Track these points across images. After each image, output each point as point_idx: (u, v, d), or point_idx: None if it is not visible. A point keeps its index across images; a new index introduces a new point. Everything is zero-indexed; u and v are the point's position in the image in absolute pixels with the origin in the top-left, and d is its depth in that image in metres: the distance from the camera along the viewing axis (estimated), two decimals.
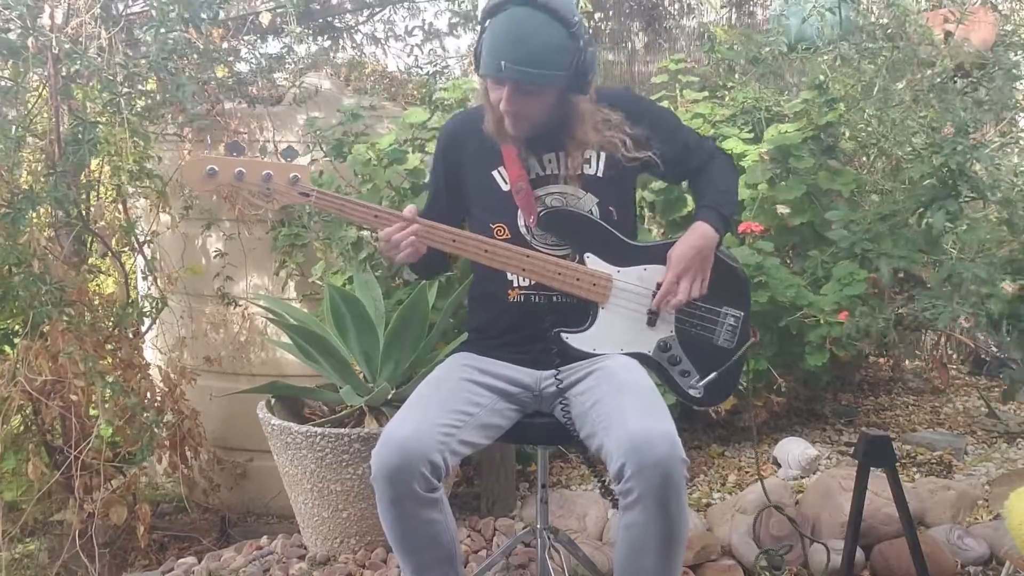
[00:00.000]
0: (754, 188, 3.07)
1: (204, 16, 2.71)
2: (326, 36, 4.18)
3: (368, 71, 3.70)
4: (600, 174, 1.83)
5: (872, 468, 2.08)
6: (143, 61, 2.81)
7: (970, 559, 2.37)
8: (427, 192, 2.06)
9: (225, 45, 3.20)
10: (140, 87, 2.89)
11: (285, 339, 2.73)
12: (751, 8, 5.43)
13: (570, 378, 1.80)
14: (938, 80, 2.94)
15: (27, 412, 2.69)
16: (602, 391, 1.70)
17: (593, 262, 1.80)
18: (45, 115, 2.84)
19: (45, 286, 2.46)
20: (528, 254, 1.77)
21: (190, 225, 3.07)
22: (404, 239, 1.72)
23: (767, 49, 3.48)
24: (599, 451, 1.64)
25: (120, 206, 3.10)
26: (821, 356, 2.78)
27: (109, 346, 2.80)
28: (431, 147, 2.92)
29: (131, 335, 2.88)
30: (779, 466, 2.96)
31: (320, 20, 4.05)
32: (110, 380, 2.50)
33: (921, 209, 2.56)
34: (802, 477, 2.87)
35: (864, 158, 3.37)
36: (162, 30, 2.69)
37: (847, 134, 3.28)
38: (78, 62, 2.62)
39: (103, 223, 3.04)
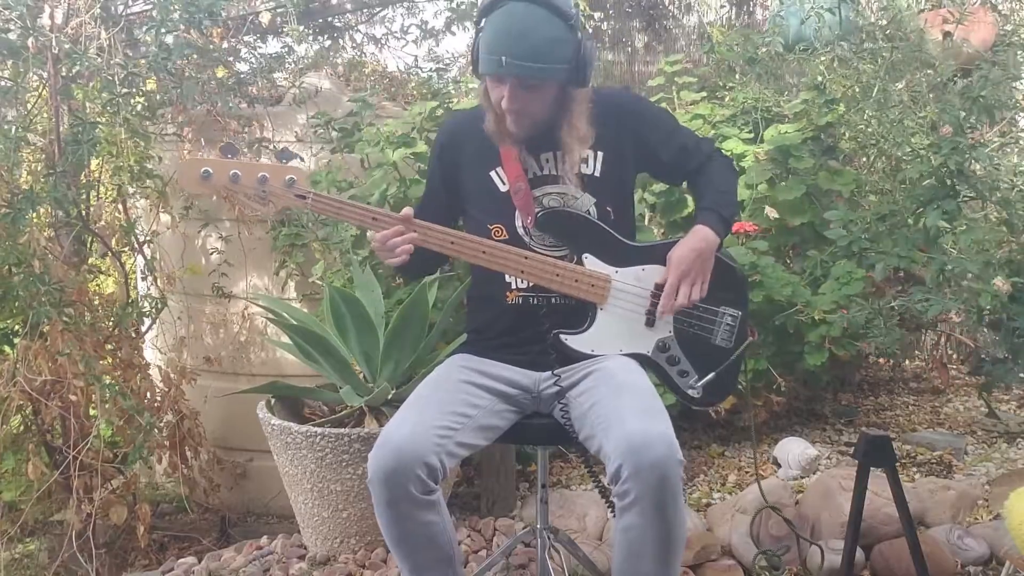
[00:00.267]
0: (754, 188, 3.07)
1: (205, 19, 2.70)
2: (326, 36, 4.18)
3: (368, 71, 3.70)
4: (598, 173, 1.82)
5: (872, 468, 2.08)
6: (143, 61, 2.81)
7: (970, 559, 2.37)
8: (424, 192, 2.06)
9: (225, 45, 3.21)
10: (140, 87, 2.89)
11: (285, 339, 2.73)
12: (751, 8, 5.43)
13: (569, 379, 1.80)
14: (937, 80, 2.94)
15: (27, 412, 2.69)
16: (601, 392, 1.70)
17: (591, 263, 1.80)
18: (45, 115, 2.84)
19: (45, 286, 2.46)
20: (526, 255, 1.77)
21: (190, 225, 3.07)
22: (400, 244, 1.72)
23: (764, 50, 3.48)
24: (598, 453, 1.64)
25: (120, 206, 3.10)
26: (820, 356, 2.78)
27: (109, 346, 2.80)
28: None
29: (131, 335, 2.88)
30: (779, 466, 2.96)
31: (320, 20, 4.04)
32: (109, 381, 2.50)
33: (920, 209, 2.56)
34: (802, 477, 2.87)
35: (864, 158, 3.37)
36: (162, 30, 2.70)
37: (847, 134, 3.28)
38: (78, 62, 2.62)
39: (103, 223, 3.05)
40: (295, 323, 2.62)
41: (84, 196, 2.90)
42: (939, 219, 2.45)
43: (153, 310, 2.95)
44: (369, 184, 2.91)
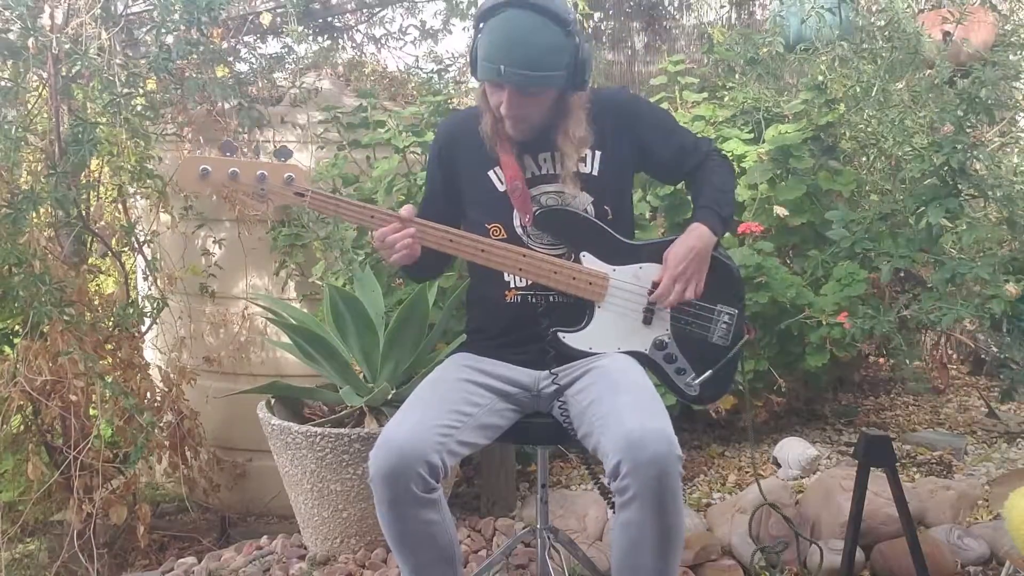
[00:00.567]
0: (754, 188, 3.07)
1: (203, 17, 2.71)
2: (326, 36, 4.18)
3: (368, 71, 3.70)
4: (595, 173, 1.83)
5: (872, 468, 2.08)
6: (143, 61, 2.82)
7: (970, 559, 2.37)
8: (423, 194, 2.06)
9: (224, 45, 3.21)
10: (140, 87, 2.89)
11: (285, 339, 2.74)
12: (751, 8, 5.43)
13: (567, 377, 1.80)
14: (937, 80, 2.94)
15: (27, 412, 2.69)
16: (599, 390, 1.70)
17: (589, 261, 1.80)
18: (45, 115, 2.84)
19: (45, 286, 2.45)
20: (524, 253, 1.77)
21: (190, 225, 3.07)
22: (399, 240, 1.72)
23: (764, 50, 3.48)
24: (596, 450, 1.64)
25: (120, 206, 3.10)
26: (821, 356, 2.78)
27: (109, 346, 2.80)
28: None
29: (132, 335, 2.88)
30: (779, 466, 2.96)
31: (320, 20, 4.05)
32: (109, 381, 2.50)
33: (921, 208, 2.56)
34: (802, 477, 2.87)
35: (864, 158, 3.37)
36: (163, 30, 2.70)
37: (847, 134, 3.28)
38: (78, 62, 2.63)
39: (103, 223, 3.05)
40: (295, 323, 2.62)
41: (84, 196, 2.90)
42: (941, 216, 2.45)
43: (153, 310, 2.95)
44: (376, 174, 2.91)
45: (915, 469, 2.99)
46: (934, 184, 2.60)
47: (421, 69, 4.26)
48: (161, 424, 2.78)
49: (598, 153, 1.82)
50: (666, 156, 1.88)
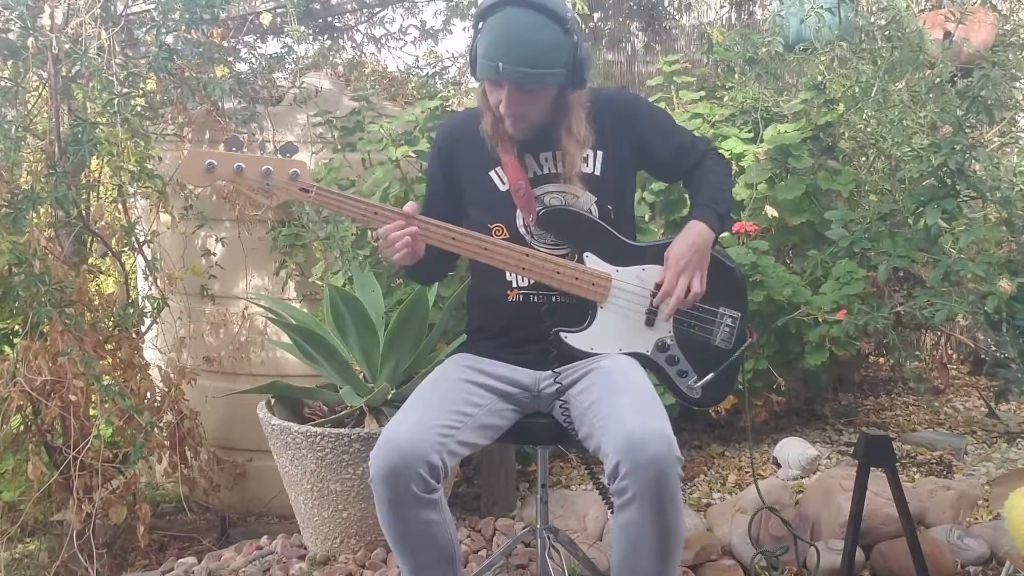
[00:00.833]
0: (754, 188, 3.07)
1: (206, 14, 2.70)
2: (326, 36, 4.18)
3: (368, 71, 3.70)
4: (598, 173, 1.83)
5: (872, 468, 2.08)
6: (143, 61, 2.81)
7: (970, 559, 2.37)
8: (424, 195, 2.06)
9: (224, 44, 3.21)
10: (140, 87, 2.89)
11: (285, 339, 2.74)
12: (751, 8, 5.44)
13: (569, 378, 1.80)
14: (937, 80, 2.94)
15: (27, 412, 2.69)
16: (599, 391, 1.70)
17: (592, 261, 1.80)
18: (45, 115, 2.84)
19: (45, 286, 2.45)
20: (527, 252, 1.77)
21: (190, 225, 3.07)
22: (401, 237, 1.72)
23: (764, 50, 3.48)
24: (596, 451, 1.65)
25: (120, 206, 3.10)
26: (821, 356, 2.78)
27: (109, 346, 2.80)
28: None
29: (131, 335, 2.88)
30: (779, 466, 2.96)
31: (320, 20, 4.05)
32: (108, 381, 2.50)
33: (920, 209, 2.56)
34: (802, 477, 2.87)
35: (863, 158, 3.38)
36: (163, 30, 2.70)
37: (846, 134, 3.28)
38: (78, 62, 2.62)
39: (103, 223, 3.04)
40: (295, 323, 2.62)
41: (84, 196, 2.90)
42: (938, 217, 2.45)
43: (153, 310, 2.95)
44: (370, 183, 2.91)
45: (915, 469, 2.99)
46: (932, 185, 2.60)
47: (421, 69, 4.26)
48: (161, 424, 2.78)
49: (600, 153, 1.83)
50: (666, 155, 1.88)
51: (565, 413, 1.78)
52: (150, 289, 3.02)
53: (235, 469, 3.09)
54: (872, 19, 3.57)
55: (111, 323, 2.85)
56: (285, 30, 3.52)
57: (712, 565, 2.39)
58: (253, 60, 3.40)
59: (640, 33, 5.59)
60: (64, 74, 2.75)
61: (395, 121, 2.99)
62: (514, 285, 1.82)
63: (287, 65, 3.50)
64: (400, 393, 2.53)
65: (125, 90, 2.76)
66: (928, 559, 2.09)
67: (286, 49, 3.61)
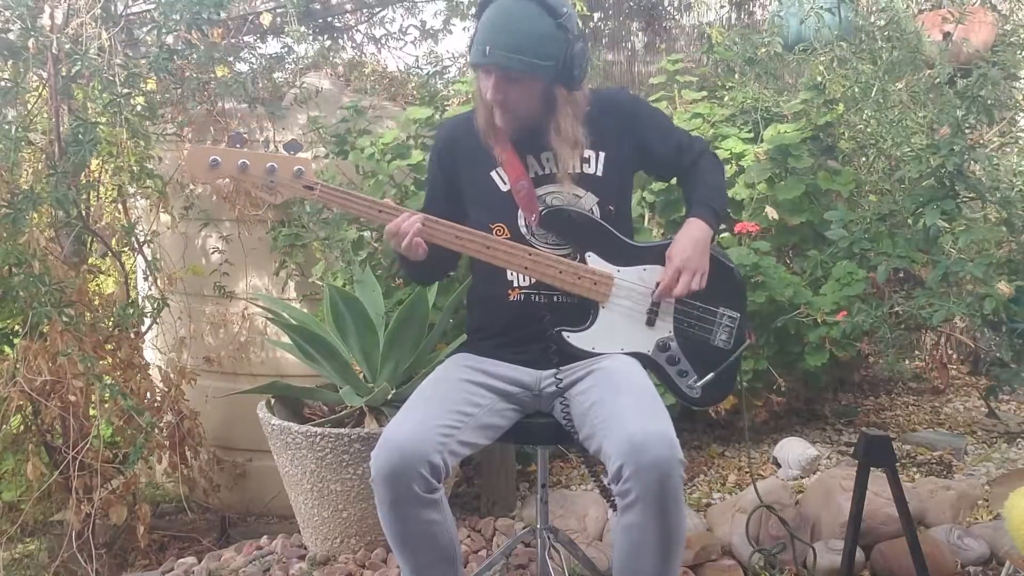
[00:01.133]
0: (754, 188, 3.08)
1: (208, 11, 2.71)
2: (326, 36, 4.18)
3: (368, 71, 3.70)
4: (600, 173, 1.83)
5: (872, 468, 2.08)
6: (143, 61, 2.81)
7: (970, 559, 2.37)
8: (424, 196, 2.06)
9: (224, 43, 3.21)
10: (140, 87, 2.89)
11: (285, 339, 2.73)
12: (751, 8, 5.44)
13: (569, 378, 1.80)
14: (936, 80, 2.94)
15: (27, 412, 2.69)
16: (601, 392, 1.70)
17: (594, 261, 1.80)
18: (45, 115, 2.84)
19: (45, 286, 2.46)
20: (530, 252, 1.78)
21: (190, 225, 3.07)
22: (411, 227, 1.72)
23: (764, 50, 3.48)
24: (598, 452, 1.65)
25: (120, 206, 3.10)
26: (821, 356, 2.78)
27: (109, 346, 2.80)
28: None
29: (131, 335, 2.88)
30: (779, 466, 2.96)
31: (320, 20, 4.05)
32: (108, 381, 2.49)
33: (919, 209, 2.56)
34: (802, 477, 2.87)
35: (863, 158, 3.38)
36: (163, 31, 2.70)
37: (846, 134, 3.28)
38: (78, 62, 2.62)
39: (103, 223, 3.05)
40: (295, 323, 2.62)
41: (84, 196, 2.91)
42: (938, 218, 2.45)
43: (153, 310, 2.95)
44: (365, 193, 2.91)
45: (915, 469, 2.99)
46: (932, 185, 2.60)
47: (421, 69, 4.26)
48: (161, 424, 2.78)
49: (602, 154, 1.83)
50: (666, 155, 1.90)
51: (566, 413, 1.78)
52: (150, 289, 3.01)
53: (235, 469, 3.09)
54: (872, 19, 3.57)
55: (111, 323, 2.85)
56: (285, 30, 3.52)
57: (712, 565, 2.39)
58: (253, 60, 3.40)
59: (640, 33, 5.58)
60: (64, 74, 2.75)
61: (387, 135, 2.98)
62: (515, 284, 1.82)
63: (287, 65, 3.50)
64: (400, 393, 2.53)
65: (125, 90, 2.76)
66: (928, 559, 2.09)
67: (286, 49, 3.60)
